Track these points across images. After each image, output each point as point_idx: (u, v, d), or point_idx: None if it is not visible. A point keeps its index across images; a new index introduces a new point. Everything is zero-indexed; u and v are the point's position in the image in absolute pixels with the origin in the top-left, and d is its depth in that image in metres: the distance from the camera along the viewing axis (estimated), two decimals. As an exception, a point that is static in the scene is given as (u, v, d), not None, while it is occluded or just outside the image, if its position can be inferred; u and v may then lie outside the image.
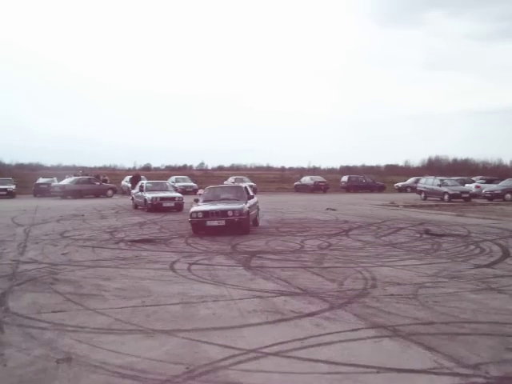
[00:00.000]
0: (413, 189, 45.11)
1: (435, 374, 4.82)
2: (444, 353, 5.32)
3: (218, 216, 15.83)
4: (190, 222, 16.11)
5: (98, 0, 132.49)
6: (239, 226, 15.79)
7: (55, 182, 41.99)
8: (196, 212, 16.04)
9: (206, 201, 17.44)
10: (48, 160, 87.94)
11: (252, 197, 18.07)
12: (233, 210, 15.81)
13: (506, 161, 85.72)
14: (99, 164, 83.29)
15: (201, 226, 15.92)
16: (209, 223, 15.78)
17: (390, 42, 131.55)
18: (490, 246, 13.14)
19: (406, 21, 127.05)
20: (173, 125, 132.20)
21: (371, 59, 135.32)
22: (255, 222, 18.22)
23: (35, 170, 68.78)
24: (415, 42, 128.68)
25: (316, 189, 49.71)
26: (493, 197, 35.39)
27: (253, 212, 17.44)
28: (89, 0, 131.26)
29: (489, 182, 42.15)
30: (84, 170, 53.74)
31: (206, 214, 15.90)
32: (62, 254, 11.92)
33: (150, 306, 7.29)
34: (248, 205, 16.69)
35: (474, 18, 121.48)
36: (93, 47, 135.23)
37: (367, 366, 4.97)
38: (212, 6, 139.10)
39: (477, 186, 39.07)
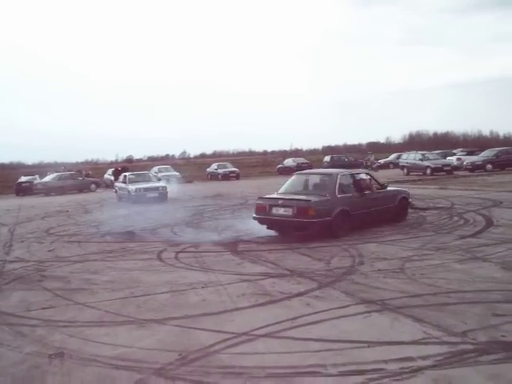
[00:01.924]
0: (395, 165, 45.30)
1: (424, 344, 4.91)
2: (432, 323, 5.41)
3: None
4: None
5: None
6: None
7: (37, 180, 41.61)
8: None
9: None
10: (29, 158, 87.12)
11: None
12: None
13: (486, 132, 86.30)
14: (81, 159, 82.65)
15: None
16: None
17: (366, 20, 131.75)
18: (474, 216, 13.29)
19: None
20: (152, 114, 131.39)
21: (349, 38, 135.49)
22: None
23: (16, 168, 68.22)
24: (391, 19, 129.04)
25: (299, 170, 49.78)
26: (474, 168, 35.66)
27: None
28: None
29: (469, 153, 42.39)
30: (66, 166, 53.36)
31: None
32: (49, 251, 11.86)
33: (140, 296, 7.30)
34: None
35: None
36: (72, 37, 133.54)
37: (358, 341, 5.04)
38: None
39: (458, 159, 39.30)
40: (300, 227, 11.53)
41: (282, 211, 11.60)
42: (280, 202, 11.73)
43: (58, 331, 5.94)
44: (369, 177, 12.93)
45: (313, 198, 11.44)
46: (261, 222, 12.30)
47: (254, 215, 12.37)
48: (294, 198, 11.71)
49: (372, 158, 49.01)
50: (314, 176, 13.25)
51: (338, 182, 11.93)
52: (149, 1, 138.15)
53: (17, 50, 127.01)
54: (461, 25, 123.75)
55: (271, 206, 11.86)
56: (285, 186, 13.00)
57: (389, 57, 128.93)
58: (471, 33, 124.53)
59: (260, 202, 12.38)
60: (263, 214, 12.06)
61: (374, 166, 46.91)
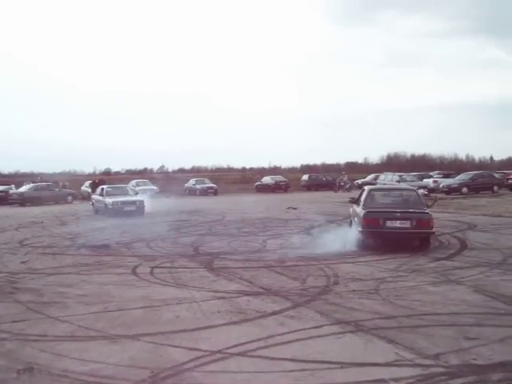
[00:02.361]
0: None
1: (397, 366, 4.93)
2: (405, 345, 5.44)
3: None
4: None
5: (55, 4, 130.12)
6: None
7: (13, 190, 41.12)
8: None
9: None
10: (4, 167, 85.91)
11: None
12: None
13: (462, 155, 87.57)
14: (58, 169, 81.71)
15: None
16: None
17: (350, 40, 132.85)
18: (449, 238, 13.44)
19: (364, 20, 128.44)
20: (131, 127, 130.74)
21: (331, 58, 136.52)
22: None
23: (-9, 178, 67.27)
24: (374, 41, 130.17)
25: (277, 188, 49.84)
26: (450, 191, 36.10)
27: None
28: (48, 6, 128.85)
29: (446, 176, 42.96)
30: (42, 177, 52.84)
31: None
32: (22, 263, 11.70)
33: (113, 311, 7.23)
34: None
35: (428, 17, 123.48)
36: (52, 44, 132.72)
37: (331, 362, 5.05)
38: (175, 4, 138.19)
39: (434, 181, 39.74)
40: (420, 238, 12.30)
41: (398, 224, 11.89)
42: (397, 214, 11.94)
43: (29, 345, 5.85)
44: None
45: (423, 211, 12.23)
46: (372, 235, 12.22)
47: (362, 229, 12.09)
48: (409, 211, 12.14)
49: (345, 178, 49.32)
50: (397, 192, 14.41)
51: (421, 197, 12.93)
52: (133, 12, 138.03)
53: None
54: (441, 49, 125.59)
55: (385, 220, 11.95)
56: (366, 201, 12.94)
57: (368, 77, 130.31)
58: (451, 58, 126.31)
59: (371, 215, 12.16)
60: (375, 227, 12.02)
61: (346, 186, 47.21)
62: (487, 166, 75.91)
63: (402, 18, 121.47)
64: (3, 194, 40.48)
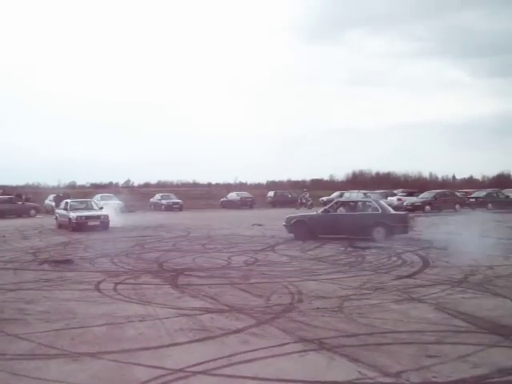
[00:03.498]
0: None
1: (359, 384, 4.97)
2: (367, 363, 5.49)
3: None
4: None
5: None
6: None
7: (-27, 203, 40.31)
8: None
9: None
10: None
11: None
12: None
13: (426, 174, 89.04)
14: (21, 182, 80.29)
15: None
16: None
17: (314, 59, 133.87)
18: (411, 256, 13.63)
19: (328, 39, 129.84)
20: (97, 139, 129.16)
21: (296, 75, 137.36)
22: None
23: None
24: (338, 59, 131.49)
25: (242, 204, 49.92)
26: (413, 209, 36.59)
27: None
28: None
29: (409, 194, 43.58)
30: (4, 189, 51.96)
31: None
32: (-19, 278, 11.48)
33: (75, 328, 7.13)
34: None
35: (393, 37, 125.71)
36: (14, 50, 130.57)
37: (293, 381, 5.07)
38: (139, 15, 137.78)
39: (398, 199, 40.26)
40: None
41: None
42: None
43: (-14, 364, 5.74)
44: None
45: None
46: None
47: None
48: None
49: (307, 195, 49.65)
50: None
51: None
52: (93, 21, 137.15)
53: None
54: (405, 69, 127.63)
55: None
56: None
57: (335, 95, 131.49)
58: (415, 77, 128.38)
59: None
60: None
61: (308, 203, 47.52)
62: (450, 184, 77.47)
63: (369, 37, 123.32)
64: (-37, 206, 39.65)
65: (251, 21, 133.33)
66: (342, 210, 19.40)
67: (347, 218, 18.60)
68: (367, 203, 19.98)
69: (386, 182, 72.61)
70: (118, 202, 40.43)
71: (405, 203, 37.99)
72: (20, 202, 40.01)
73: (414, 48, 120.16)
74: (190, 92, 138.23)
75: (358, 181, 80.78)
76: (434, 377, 5.10)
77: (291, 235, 19.14)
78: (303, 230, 18.76)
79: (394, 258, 13.39)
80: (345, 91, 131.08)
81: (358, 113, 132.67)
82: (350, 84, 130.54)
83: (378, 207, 18.74)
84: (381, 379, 5.08)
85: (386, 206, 20.15)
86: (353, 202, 21.43)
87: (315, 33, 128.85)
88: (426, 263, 12.50)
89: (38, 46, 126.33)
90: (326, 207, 19.99)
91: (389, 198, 40.57)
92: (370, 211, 18.86)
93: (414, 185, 67.66)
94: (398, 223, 18.21)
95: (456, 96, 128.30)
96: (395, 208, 36.04)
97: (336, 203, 20.03)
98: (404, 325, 7.07)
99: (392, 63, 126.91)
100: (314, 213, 20.42)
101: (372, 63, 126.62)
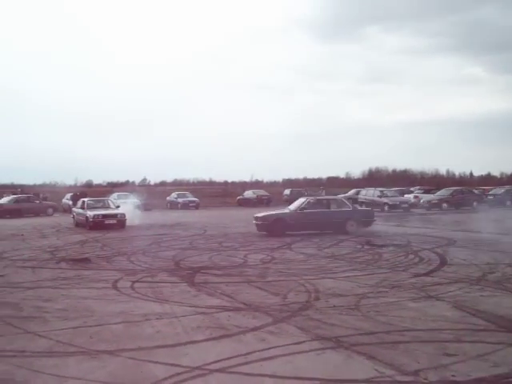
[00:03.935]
0: (354, 200, 45.80)
1: (377, 382, 4.95)
2: (385, 361, 5.45)
3: None
4: None
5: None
6: None
7: (-8, 201, 40.72)
8: None
9: None
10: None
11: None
12: None
13: (443, 171, 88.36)
14: (39, 181, 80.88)
15: None
16: None
17: (329, 57, 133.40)
18: (429, 254, 13.53)
19: (344, 36, 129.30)
20: (114, 139, 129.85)
21: (311, 73, 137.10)
22: None
23: (-30, 189, 66.41)
24: (354, 57, 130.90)
25: (259, 202, 49.89)
26: (430, 206, 36.41)
27: None
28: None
29: (426, 191, 43.32)
30: (23, 189, 52.41)
31: None
32: (0, 276, 11.58)
33: (93, 326, 7.17)
34: None
35: (410, 34, 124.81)
36: (20, 56, 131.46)
37: (311, 379, 5.05)
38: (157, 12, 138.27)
39: (415, 197, 40.07)
40: None
41: None
42: None
43: (5, 361, 5.77)
44: None
45: None
46: None
47: None
48: None
49: (323, 193, 49.50)
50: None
51: None
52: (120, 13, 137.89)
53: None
54: (420, 66, 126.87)
55: None
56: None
57: (351, 93, 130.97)
58: (429, 74, 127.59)
59: None
60: None
61: None
62: (467, 181, 76.80)
63: (385, 34, 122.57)
64: (-18, 206, 40.05)
65: (266, 18, 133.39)
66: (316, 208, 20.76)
67: (324, 215, 20.40)
68: (339, 201, 22.26)
69: (402, 180, 72.17)
70: (134, 200, 40.67)
71: (421, 201, 37.81)
72: (38, 201, 40.36)
73: (431, 44, 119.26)
74: (206, 89, 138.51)
75: (374, 178, 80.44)
76: (453, 375, 5.05)
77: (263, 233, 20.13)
78: (282, 228, 19.93)
79: (412, 256, 13.31)
80: (361, 88, 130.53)
81: (374, 110, 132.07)
82: (366, 81, 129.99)
83: (349, 205, 21.45)
84: (398, 377, 5.04)
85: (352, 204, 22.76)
86: (325, 199, 22.74)
87: (331, 30, 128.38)
88: (443, 261, 12.41)
89: (52, 47, 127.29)
90: (302, 205, 20.77)
91: (405, 196, 40.43)
92: (342, 208, 20.96)
93: (430, 182, 67.15)
94: (366, 218, 21.00)
95: (473, 92, 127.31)
96: (412, 206, 36.13)
97: (309, 201, 21.05)
98: (422, 323, 7.02)
99: (409, 60, 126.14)
100: (287, 211, 21.13)
101: (388, 60, 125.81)
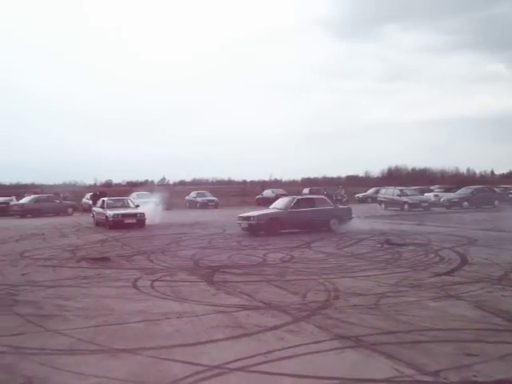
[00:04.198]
0: (373, 199, 45.61)
1: (397, 382, 4.92)
2: (405, 361, 5.42)
3: None
4: None
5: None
6: None
7: (14, 201, 41.17)
8: None
9: None
10: (5, 178, 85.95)
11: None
12: None
13: (463, 169, 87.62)
14: (59, 181, 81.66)
15: None
16: None
17: (346, 55, 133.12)
18: (449, 253, 13.42)
19: (361, 35, 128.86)
20: (133, 139, 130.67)
21: (329, 72, 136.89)
22: None
23: (-8, 189, 67.20)
24: (371, 55, 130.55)
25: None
26: (451, 205, 36.06)
27: None
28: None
29: (447, 190, 42.92)
30: (43, 188, 52.88)
31: None
32: (22, 275, 11.70)
33: (113, 324, 7.22)
34: None
35: (428, 32, 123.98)
36: (41, 59, 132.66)
37: (331, 378, 5.03)
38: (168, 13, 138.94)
39: (435, 195, 39.70)
40: None
41: None
42: None
43: (28, 359, 5.84)
44: None
45: None
46: None
47: None
48: None
49: (342, 192, 49.25)
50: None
51: None
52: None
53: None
54: (439, 64, 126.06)
55: None
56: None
57: (367, 92, 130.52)
58: (448, 72, 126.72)
59: None
60: None
61: (343, 199, 47.12)
62: (488, 180, 75.98)
63: (404, 32, 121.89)
64: (4, 205, 40.59)
65: (283, 17, 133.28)
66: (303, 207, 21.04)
67: (312, 214, 20.79)
68: (322, 200, 22.69)
69: (422, 178, 71.72)
70: (153, 199, 40.84)
71: (442, 199, 37.46)
72: (58, 201, 40.68)
73: (451, 42, 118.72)
74: (224, 89, 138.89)
75: (394, 177, 79.99)
76: (475, 376, 5.00)
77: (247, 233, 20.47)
78: (278, 227, 20.21)
79: (432, 255, 13.20)
80: (379, 87, 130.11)
81: (392, 108, 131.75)
82: (383, 80, 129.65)
83: (331, 203, 22.43)
84: (418, 377, 5.00)
85: None
86: (311, 199, 23.00)
87: (348, 29, 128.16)
88: (464, 260, 12.29)
89: (74, 50, 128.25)
90: (292, 204, 21.07)
91: (425, 194, 40.10)
92: (326, 207, 21.58)
93: (451, 181, 66.55)
94: (346, 215, 21.85)
95: (494, 90, 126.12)
96: (432, 204, 35.85)
97: (297, 200, 21.42)
98: (442, 323, 6.96)
99: (427, 58, 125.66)
100: (278, 210, 21.19)
101: (406, 58, 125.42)
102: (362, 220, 23.06)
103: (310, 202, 21.66)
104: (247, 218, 20.79)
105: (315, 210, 21.07)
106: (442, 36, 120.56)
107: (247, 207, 43.53)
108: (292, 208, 20.79)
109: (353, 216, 22.17)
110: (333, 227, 20.83)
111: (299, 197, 23.14)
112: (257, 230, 20.25)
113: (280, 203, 22.05)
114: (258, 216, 20.60)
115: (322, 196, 26.32)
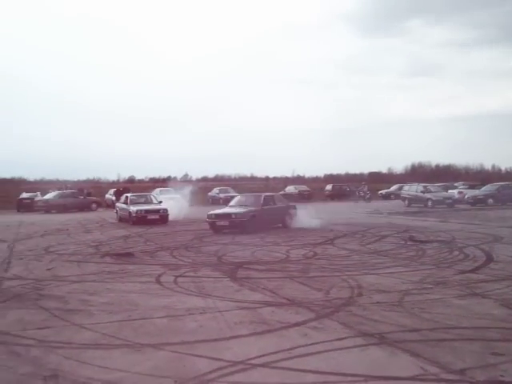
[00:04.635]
0: (396, 196, 45.32)
1: (421, 380, 4.88)
2: (430, 359, 5.37)
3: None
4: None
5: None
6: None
7: (39, 197, 41.67)
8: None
9: None
10: (30, 175, 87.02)
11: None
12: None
13: (488, 166, 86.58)
14: (82, 177, 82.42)
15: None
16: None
17: (370, 51, 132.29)
18: (474, 251, 13.27)
19: (385, 30, 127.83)
20: (156, 135, 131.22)
21: (353, 68, 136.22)
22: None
23: (18, 184, 68.11)
24: (395, 51, 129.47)
25: (300, 198, 49.74)
26: (475, 202, 35.63)
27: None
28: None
29: (471, 187, 42.47)
30: (67, 184, 53.44)
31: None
32: (47, 270, 11.84)
33: (137, 319, 7.27)
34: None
35: (453, 26, 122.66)
36: (70, 53, 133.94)
37: (355, 375, 5.00)
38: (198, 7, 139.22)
39: (459, 192, 39.29)
40: None
41: None
42: None
43: (54, 352, 5.90)
44: None
45: None
46: None
47: None
48: None
49: (365, 188, 49.02)
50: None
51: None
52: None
53: (17, 67, 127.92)
54: (463, 59, 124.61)
55: None
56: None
57: (392, 87, 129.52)
58: (473, 67, 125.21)
59: None
60: None
61: (366, 196, 46.93)
62: (514, 176, 74.97)
63: (428, 27, 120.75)
64: (29, 201, 41.10)
65: (306, 13, 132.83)
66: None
67: (276, 211, 21.51)
68: (279, 197, 23.84)
69: (445, 175, 71.05)
70: (176, 195, 41.01)
71: (466, 196, 37.04)
72: (82, 197, 41.08)
73: (476, 36, 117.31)
74: (247, 85, 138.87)
75: (417, 173, 79.38)
76: (502, 375, 4.93)
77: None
78: (256, 224, 19.93)
79: (456, 253, 13.07)
80: (403, 82, 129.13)
81: (416, 104, 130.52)
82: (408, 75, 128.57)
83: (286, 200, 23.62)
84: (444, 376, 4.95)
85: None
86: (271, 196, 23.18)
87: (372, 24, 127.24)
88: (489, 258, 12.15)
89: (95, 48, 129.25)
90: (263, 202, 21.13)
91: (449, 191, 39.74)
92: (283, 204, 22.54)
93: (475, 177, 65.84)
94: (294, 211, 22.55)
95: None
96: (457, 201, 35.50)
97: (266, 198, 21.71)
98: (467, 320, 6.89)
99: (452, 52, 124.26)
100: (243, 210, 20.47)
101: (430, 53, 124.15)
102: (308, 215, 22.75)
103: (272, 200, 22.02)
104: (226, 216, 20.30)
105: (277, 207, 21.75)
106: (466, 31, 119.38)
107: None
108: (263, 205, 20.84)
109: (296, 211, 22.69)
110: (288, 223, 21.63)
111: (267, 194, 23.09)
112: (240, 227, 19.68)
113: (246, 201, 21.87)
114: (242, 213, 20.03)
115: (278, 194, 27.15)
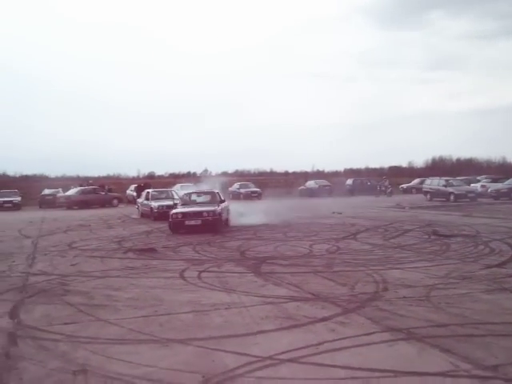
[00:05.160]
0: (418, 190, 44.99)
1: (453, 376, 4.79)
2: (460, 355, 5.28)
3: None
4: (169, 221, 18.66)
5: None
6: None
7: (61, 193, 42.03)
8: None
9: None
10: (52, 171, 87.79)
11: (223, 201, 20.78)
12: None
13: (511, 159, 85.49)
14: (103, 173, 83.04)
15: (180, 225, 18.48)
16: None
17: (390, 44, 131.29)
18: (500, 245, 13.09)
19: (405, 23, 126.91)
20: (175, 129, 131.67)
21: (372, 61, 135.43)
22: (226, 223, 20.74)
23: (40, 181, 68.63)
24: (416, 44, 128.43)
25: (321, 192, 49.57)
26: (499, 196, 35.19)
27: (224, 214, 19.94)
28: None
29: (494, 180, 41.95)
30: (88, 180, 53.85)
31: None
32: (71, 265, 11.92)
33: (163, 314, 7.27)
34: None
35: (475, 18, 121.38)
36: (90, 51, 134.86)
37: (384, 370, 4.94)
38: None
39: (482, 186, 38.86)
40: None
41: None
42: None
43: (81, 347, 5.92)
44: None
45: None
46: None
47: None
48: None
49: (386, 183, 48.73)
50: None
51: None
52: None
53: (38, 64, 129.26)
54: (486, 51, 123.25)
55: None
56: None
57: (412, 80, 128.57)
58: (495, 59, 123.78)
59: None
60: None
61: (387, 190, 46.67)
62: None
63: (448, 19, 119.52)
64: (51, 197, 41.46)
65: (326, 6, 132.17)
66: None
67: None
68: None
69: (467, 169, 70.31)
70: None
71: (489, 190, 36.61)
72: (103, 193, 41.37)
73: (497, 27, 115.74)
74: (266, 79, 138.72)
75: (438, 167, 78.74)
76: (535, 371, 4.85)
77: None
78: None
79: (481, 247, 12.90)
80: (423, 76, 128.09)
81: (437, 97, 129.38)
82: (428, 68, 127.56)
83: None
84: (475, 372, 4.87)
85: None
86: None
87: (391, 17, 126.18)
88: (515, 252, 11.99)
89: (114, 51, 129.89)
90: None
91: (472, 185, 39.35)
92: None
93: (497, 171, 65.10)
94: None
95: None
96: (479, 195, 35.10)
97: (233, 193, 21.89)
98: (497, 316, 6.77)
99: (472, 45, 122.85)
100: (213, 208, 19.22)
101: (451, 46, 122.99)
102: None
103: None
104: (196, 214, 18.67)
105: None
106: (487, 22, 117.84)
107: (290, 198, 43.40)
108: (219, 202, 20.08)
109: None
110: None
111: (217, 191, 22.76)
112: (213, 226, 18.42)
113: (201, 197, 21.39)
114: (214, 211, 18.72)
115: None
